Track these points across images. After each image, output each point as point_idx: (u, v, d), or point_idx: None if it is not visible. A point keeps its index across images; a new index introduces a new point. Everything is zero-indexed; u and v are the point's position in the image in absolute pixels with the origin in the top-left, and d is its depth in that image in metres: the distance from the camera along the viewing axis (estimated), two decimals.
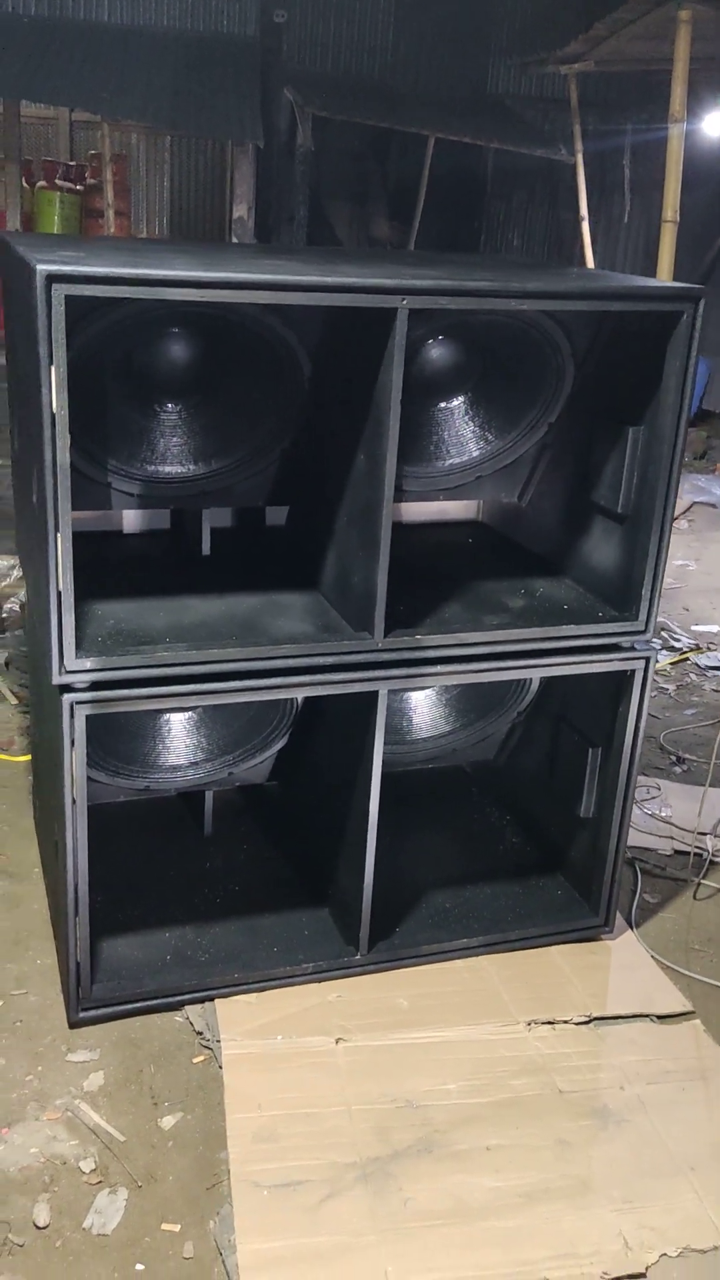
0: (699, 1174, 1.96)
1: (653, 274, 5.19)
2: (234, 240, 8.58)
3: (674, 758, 3.60)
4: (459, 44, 8.33)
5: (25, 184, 8.86)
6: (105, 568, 2.51)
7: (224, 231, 10.71)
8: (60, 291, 1.78)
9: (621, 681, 2.44)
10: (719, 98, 5.92)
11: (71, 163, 10.17)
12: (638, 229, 8.06)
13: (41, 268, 1.76)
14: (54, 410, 1.84)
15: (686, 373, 2.19)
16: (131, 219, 10.46)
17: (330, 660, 2.17)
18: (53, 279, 1.77)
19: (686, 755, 3.62)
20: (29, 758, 3.20)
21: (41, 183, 9.32)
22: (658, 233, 8.26)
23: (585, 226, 6.28)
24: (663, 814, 3.22)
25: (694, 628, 4.84)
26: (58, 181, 9.31)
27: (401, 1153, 1.98)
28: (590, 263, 6.56)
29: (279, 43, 8.22)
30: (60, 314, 1.78)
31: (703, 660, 4.47)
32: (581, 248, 6.36)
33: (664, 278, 4.27)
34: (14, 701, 3.58)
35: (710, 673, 4.36)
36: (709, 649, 4.61)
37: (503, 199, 8.92)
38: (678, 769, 3.53)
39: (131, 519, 2.74)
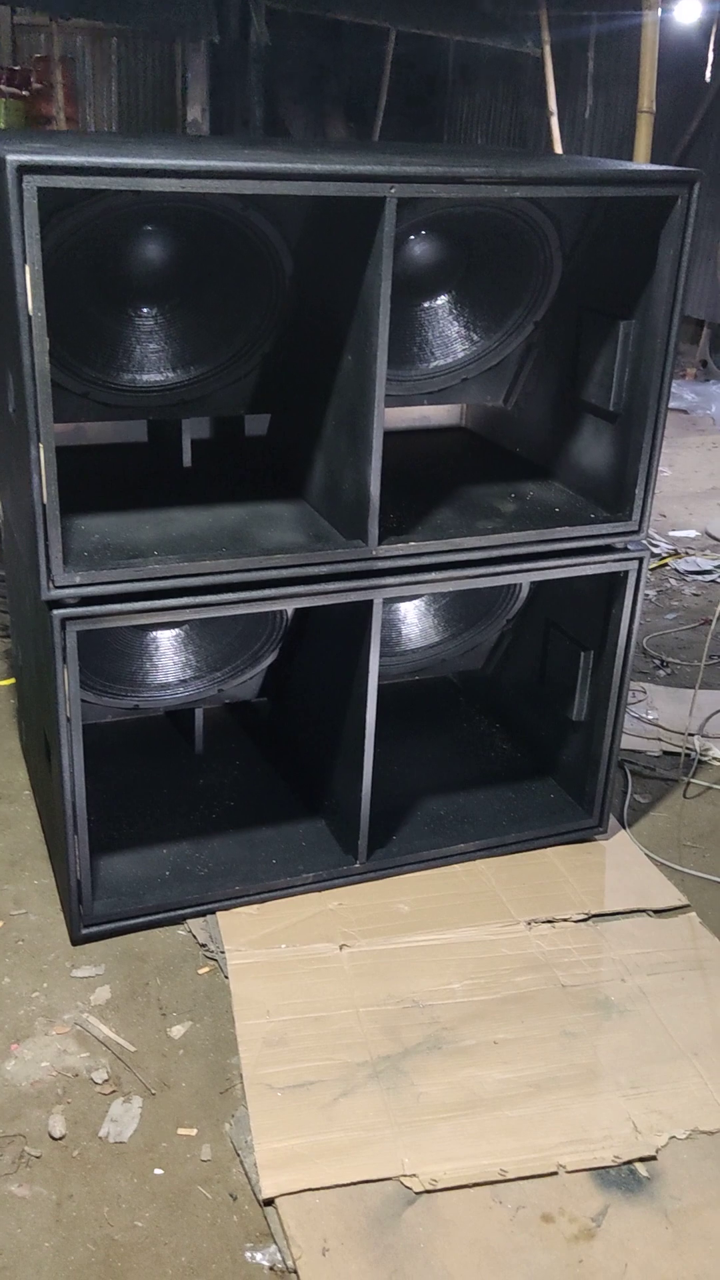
0: (701, 1059, 2.01)
1: None
2: None
3: (658, 661, 3.62)
4: None
5: None
6: (83, 482, 2.44)
7: (175, 134, 10.33)
8: (33, 183, 1.69)
9: (614, 583, 2.42)
10: None
11: (15, 68, 9.72)
12: (602, 124, 7.85)
13: (12, 158, 1.67)
14: (30, 312, 1.76)
15: (680, 261, 2.13)
16: (80, 124, 10.06)
17: (324, 570, 2.14)
18: (24, 169, 1.68)
19: (670, 659, 3.63)
20: (12, 681, 3.16)
21: None
22: (622, 127, 8.06)
23: (554, 121, 6.10)
24: (649, 716, 3.24)
25: (671, 533, 4.84)
26: (2, 87, 8.89)
27: (411, 1050, 2.00)
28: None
29: None
30: (34, 208, 1.70)
31: (681, 565, 4.48)
32: (550, 144, 6.18)
33: None
34: None
35: (689, 577, 4.37)
36: (687, 554, 4.61)
37: (465, 96, 8.64)
38: (662, 672, 3.55)
39: (105, 431, 2.66)
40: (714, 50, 6.31)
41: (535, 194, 2.03)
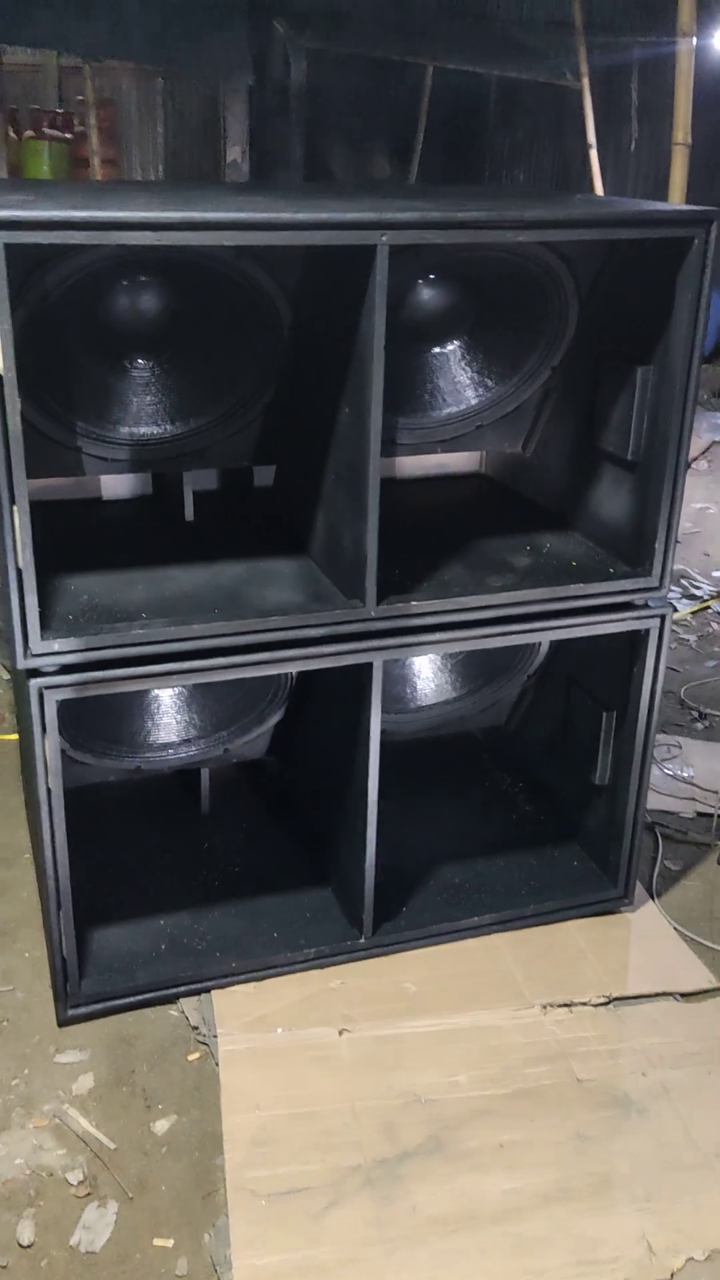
0: None
1: (663, 201, 4.93)
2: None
3: (695, 713, 3.45)
4: None
5: (12, 134, 8.59)
6: (81, 537, 2.36)
7: (220, 176, 10.40)
8: (0, 240, 1.61)
9: (635, 641, 2.28)
10: None
11: (60, 111, 9.86)
12: (647, 156, 7.73)
13: None
14: (0, 371, 1.68)
15: (699, 305, 2.00)
16: (125, 167, 10.16)
17: (321, 632, 2.02)
18: None
19: (709, 710, 3.46)
20: (15, 736, 3.08)
21: (29, 132, 9.03)
22: (668, 160, 7.93)
23: (593, 155, 5.99)
24: (684, 774, 3.07)
25: (715, 574, 4.66)
26: (45, 130, 9.02)
27: (409, 1153, 1.86)
28: (599, 191, 6.28)
29: None
30: (1, 264, 1.62)
31: (717, 605, 4.30)
32: (590, 178, 6.08)
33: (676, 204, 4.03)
34: (4, 675, 3.46)
35: None
36: None
37: (507, 131, 8.57)
38: (699, 725, 3.38)
39: (111, 484, 2.58)
40: None
41: (540, 238, 1.93)
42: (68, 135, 9.04)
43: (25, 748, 2.56)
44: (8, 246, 1.61)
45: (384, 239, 1.78)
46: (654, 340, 2.10)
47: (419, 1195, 1.78)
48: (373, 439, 1.91)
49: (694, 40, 3.83)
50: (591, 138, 6.06)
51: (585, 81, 6.09)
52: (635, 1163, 1.85)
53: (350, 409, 1.98)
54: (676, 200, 3.96)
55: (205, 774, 2.70)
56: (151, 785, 2.81)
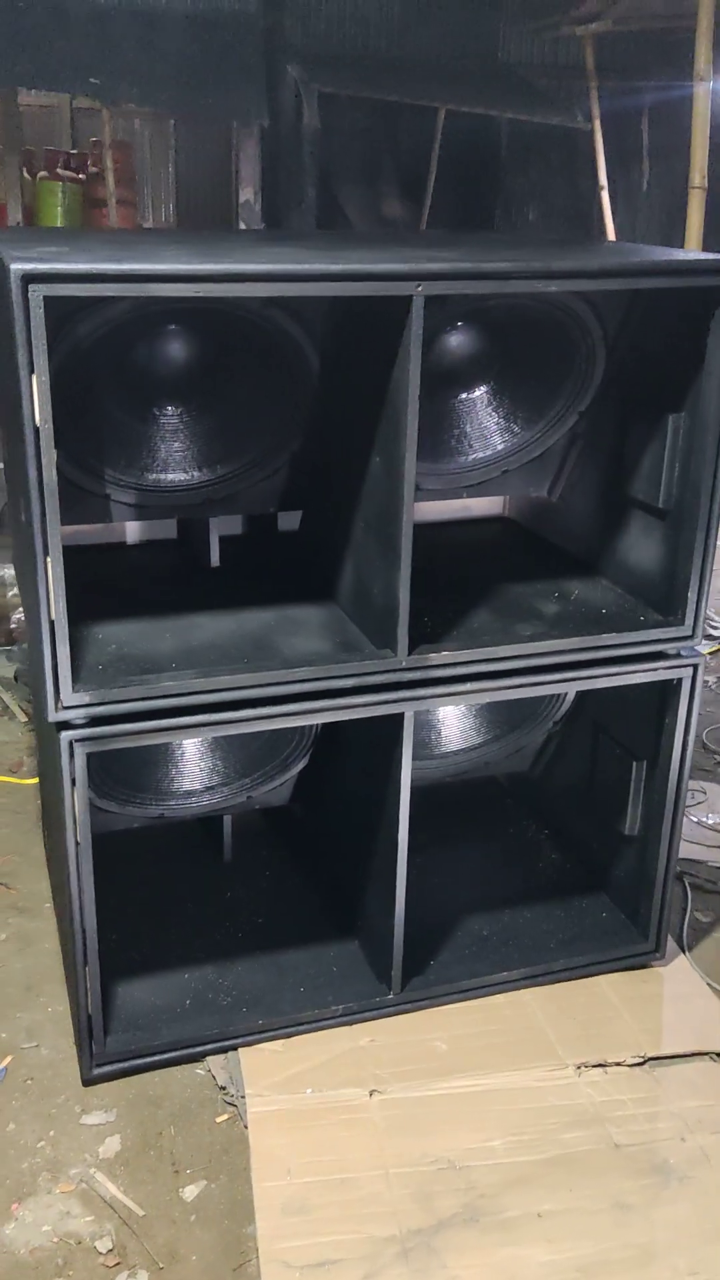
0: None
1: (677, 243, 4.95)
2: (242, 226, 8.37)
3: (718, 758, 3.40)
4: (467, 13, 8.06)
5: (26, 174, 8.67)
6: (107, 584, 2.34)
7: (232, 217, 10.48)
8: (39, 293, 1.60)
9: (667, 691, 2.25)
10: None
11: (74, 151, 9.97)
12: (657, 197, 7.77)
13: (16, 267, 1.58)
14: (37, 424, 1.67)
15: None
16: (138, 208, 10.26)
17: (351, 683, 2.00)
18: (29, 279, 1.59)
19: None
20: (36, 780, 3.05)
21: (43, 173, 9.11)
22: (679, 200, 7.97)
23: (604, 196, 6.02)
24: (710, 821, 3.03)
25: None
26: (59, 171, 9.11)
27: (445, 1222, 1.81)
28: (611, 233, 6.31)
29: (281, 18, 7.97)
30: (40, 318, 1.61)
31: None
32: (602, 218, 6.10)
33: (693, 248, 4.05)
34: (23, 719, 3.43)
35: None
36: None
37: (519, 172, 8.63)
38: None
39: (135, 529, 2.57)
40: None
41: (571, 288, 1.91)
42: (81, 176, 9.13)
43: (48, 795, 2.53)
44: (47, 299, 1.60)
45: (419, 289, 1.77)
46: (685, 387, 2.08)
47: (455, 1268, 1.73)
48: (406, 489, 1.89)
49: (710, 84, 3.85)
50: (603, 179, 6.10)
51: (596, 123, 6.13)
52: (677, 1233, 1.80)
53: (381, 458, 1.97)
54: (693, 244, 3.97)
55: (228, 821, 2.67)
56: (172, 832, 2.77)
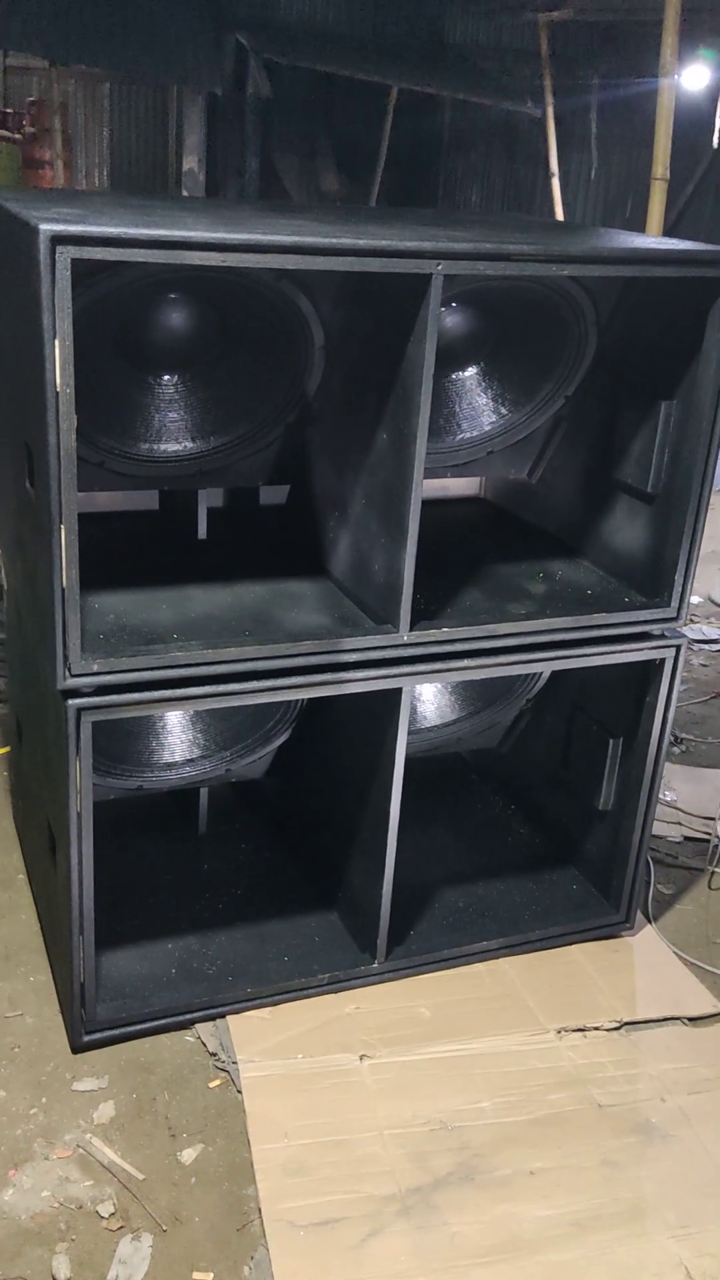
0: None
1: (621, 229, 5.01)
2: (184, 193, 8.26)
3: (672, 737, 3.51)
4: None
5: None
6: (93, 552, 2.31)
7: (169, 183, 10.32)
8: (66, 255, 1.58)
9: (649, 670, 2.32)
10: (696, 52, 5.75)
11: (9, 110, 9.71)
12: (602, 186, 7.89)
13: (45, 228, 1.56)
14: (58, 389, 1.65)
15: None
16: (73, 170, 10.03)
17: (353, 657, 2.02)
18: (58, 240, 1.57)
19: (684, 735, 3.53)
20: (6, 750, 3.01)
21: None
22: (620, 190, 8.10)
23: (555, 182, 6.09)
24: (668, 798, 3.13)
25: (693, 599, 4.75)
26: None
27: (442, 1181, 1.86)
28: (560, 218, 6.39)
29: None
30: (66, 280, 1.59)
31: (689, 633, 4.39)
32: (551, 203, 6.17)
33: (653, 235, 4.13)
34: None
35: (697, 647, 4.28)
36: (692, 621, 4.53)
37: (460, 153, 8.68)
38: (676, 749, 3.45)
39: (114, 499, 2.54)
40: None
41: (583, 273, 1.95)
42: (17, 136, 8.90)
43: (26, 765, 2.51)
44: (73, 262, 1.58)
45: (439, 268, 1.79)
46: (679, 375, 2.14)
47: (456, 1224, 1.78)
48: (416, 466, 1.91)
49: (674, 78, 3.92)
50: (554, 165, 6.17)
51: (549, 110, 6.19)
52: (665, 1189, 1.88)
53: (389, 434, 1.99)
54: (654, 232, 4.04)
55: (204, 794, 2.67)
56: (146, 804, 2.77)
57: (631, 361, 2.28)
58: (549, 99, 6.24)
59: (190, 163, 8.07)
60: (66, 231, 1.57)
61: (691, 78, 5.79)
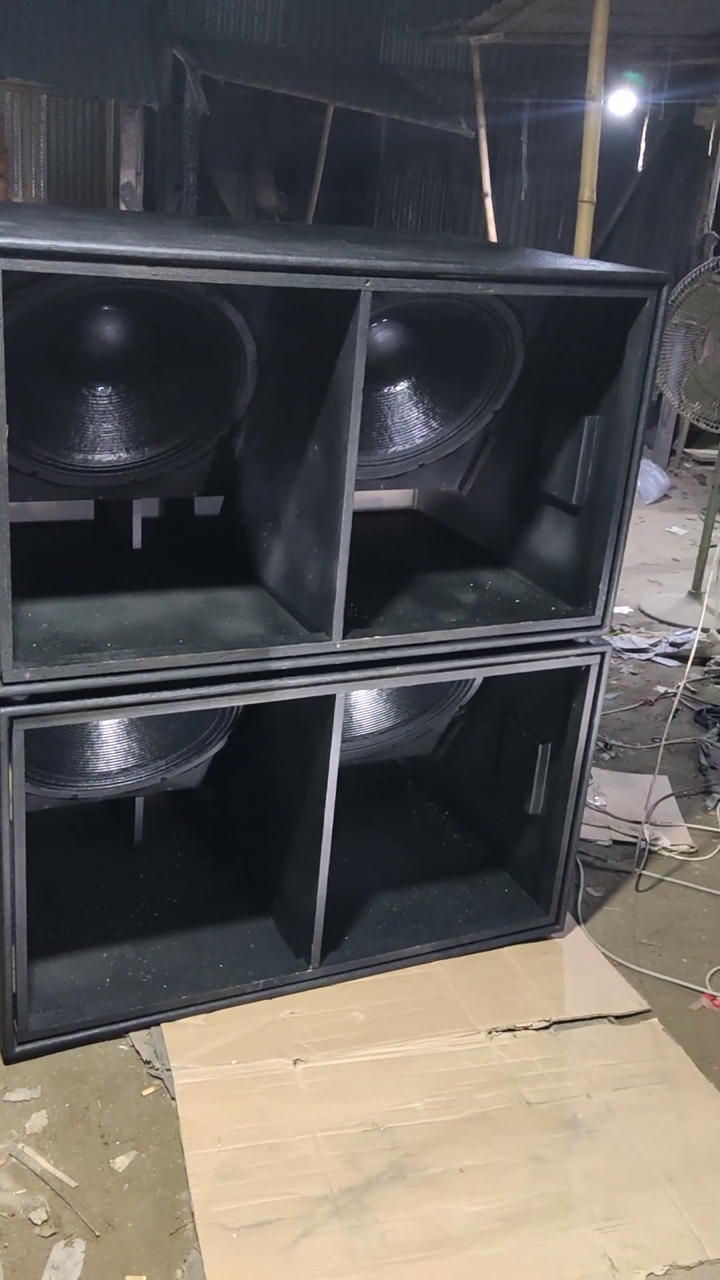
0: (676, 1184, 1.93)
1: (551, 250, 5.13)
2: (123, 207, 8.25)
3: (601, 744, 3.59)
4: (349, 11, 8.15)
5: None
6: (29, 563, 2.31)
7: (107, 197, 10.28)
8: None
9: (575, 677, 2.38)
10: (622, 76, 5.90)
11: None
12: (532, 206, 8.04)
13: None
14: None
15: (648, 360, 2.12)
16: (8, 182, 9.96)
17: (286, 665, 2.05)
18: None
19: (613, 741, 3.61)
20: None
21: None
22: (550, 211, 8.26)
23: (488, 202, 6.19)
24: (597, 803, 3.20)
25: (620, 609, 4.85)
26: None
27: (374, 1181, 1.89)
28: (493, 238, 6.50)
29: (164, 2, 7.89)
30: None
31: (617, 643, 4.49)
32: (485, 223, 6.28)
33: (581, 257, 4.23)
34: None
35: (626, 655, 4.38)
36: (621, 631, 4.63)
37: (396, 171, 8.78)
38: (606, 755, 3.52)
39: (49, 508, 2.55)
40: (646, 141, 6.52)
41: (508, 292, 2.01)
42: None
43: None
44: (3, 274, 1.60)
45: (367, 285, 1.84)
46: (601, 392, 2.21)
47: (387, 1223, 1.81)
48: (347, 477, 1.95)
49: (600, 103, 4.03)
50: (487, 186, 6.28)
51: (482, 132, 6.30)
52: (590, 1183, 1.92)
53: (320, 446, 2.02)
54: (581, 253, 4.15)
55: (140, 803, 2.68)
56: (80, 814, 2.77)
57: (557, 378, 2.34)
58: (481, 120, 6.35)
59: (128, 176, 8.05)
60: None
61: (618, 102, 5.95)
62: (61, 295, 1.97)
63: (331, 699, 2.11)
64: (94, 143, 11.10)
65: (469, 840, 2.83)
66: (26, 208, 2.54)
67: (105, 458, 2.26)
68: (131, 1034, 2.16)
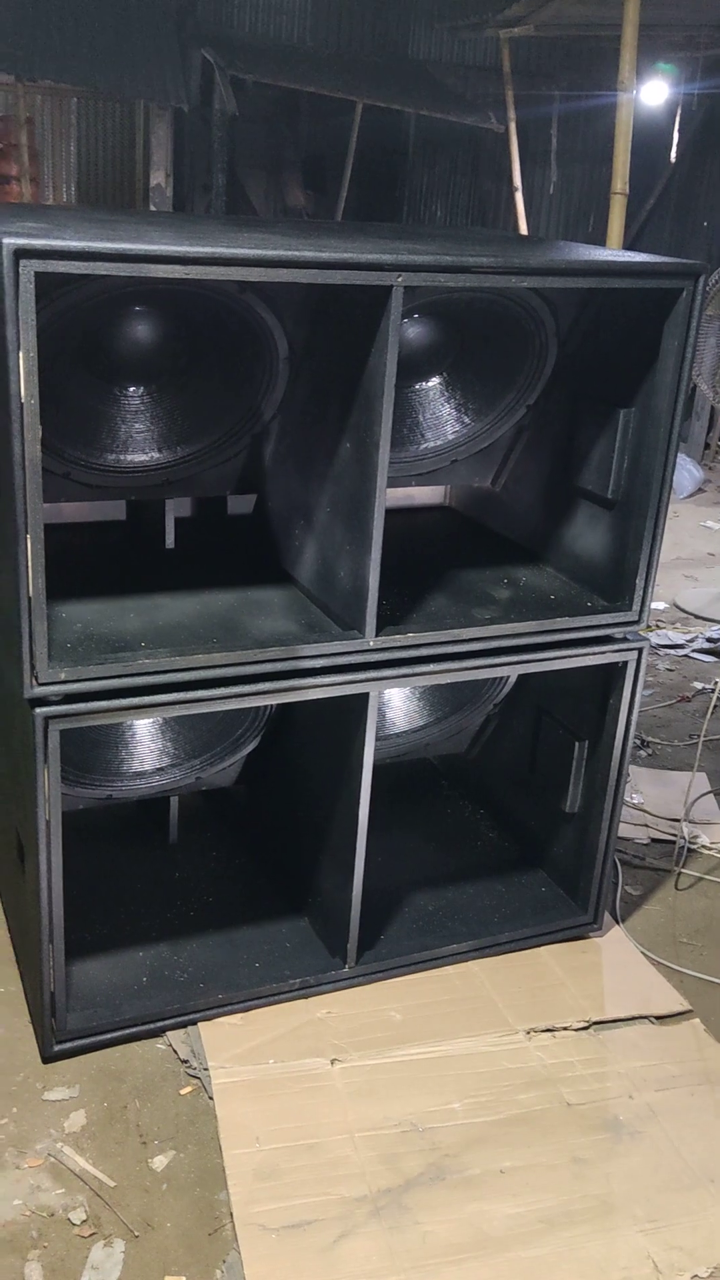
0: (719, 1185, 1.90)
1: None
2: (153, 208, 8.28)
3: (638, 741, 3.55)
4: (377, 8, 8.13)
5: None
6: (62, 563, 2.32)
7: (136, 199, 10.34)
8: (30, 268, 1.60)
9: (612, 673, 2.35)
10: (654, 67, 5.85)
11: None
12: (562, 200, 7.99)
13: (9, 242, 1.58)
14: (23, 400, 1.66)
15: (685, 352, 2.09)
16: (40, 185, 10.03)
17: (320, 663, 2.04)
18: (21, 254, 1.59)
19: (650, 738, 3.57)
20: None
21: None
22: (580, 203, 8.21)
23: (519, 197, 6.16)
24: (634, 800, 3.17)
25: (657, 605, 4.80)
26: None
27: (413, 1182, 1.88)
28: (524, 232, 6.46)
29: (193, 3, 7.91)
30: (30, 293, 1.61)
31: (653, 638, 4.44)
32: (515, 218, 6.24)
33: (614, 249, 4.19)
34: None
35: (662, 652, 4.34)
36: (657, 627, 4.59)
37: (425, 168, 8.76)
38: (643, 753, 3.49)
39: (82, 509, 2.55)
40: (679, 132, 6.45)
41: (542, 285, 1.99)
42: None
43: None
44: (37, 275, 1.60)
45: (399, 280, 1.82)
46: (637, 384, 2.18)
47: (427, 1224, 1.80)
48: (379, 474, 1.94)
49: (633, 94, 3.99)
50: (517, 180, 6.24)
51: (512, 126, 6.27)
52: (632, 1184, 1.90)
53: (352, 444, 2.01)
54: (614, 245, 4.11)
55: (174, 802, 2.68)
56: (115, 814, 2.77)
57: (591, 371, 2.32)
58: (511, 114, 6.31)
59: (158, 178, 8.09)
60: (30, 245, 1.59)
61: (650, 93, 5.89)
62: (94, 296, 1.97)
63: (365, 697, 2.10)
64: (124, 145, 11.16)
65: (505, 839, 2.81)
66: (58, 210, 2.55)
67: (137, 458, 2.26)
68: (169, 1033, 2.17)
